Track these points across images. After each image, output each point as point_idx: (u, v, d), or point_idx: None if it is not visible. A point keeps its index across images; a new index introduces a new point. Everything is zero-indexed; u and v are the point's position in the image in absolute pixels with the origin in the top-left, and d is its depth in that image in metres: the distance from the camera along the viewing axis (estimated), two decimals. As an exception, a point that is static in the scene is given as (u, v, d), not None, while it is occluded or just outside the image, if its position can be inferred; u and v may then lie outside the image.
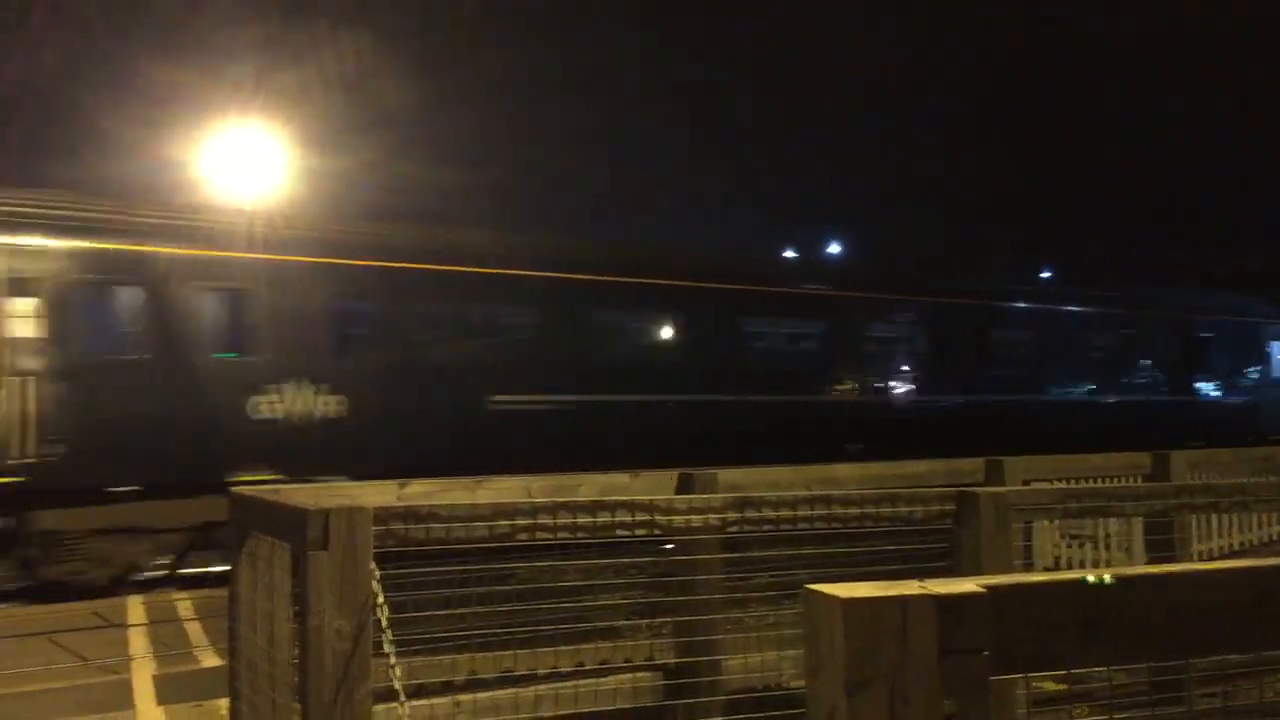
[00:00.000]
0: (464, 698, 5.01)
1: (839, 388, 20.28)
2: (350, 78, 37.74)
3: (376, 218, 19.46)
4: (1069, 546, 10.55)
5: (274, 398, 14.40)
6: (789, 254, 37.88)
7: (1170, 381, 25.59)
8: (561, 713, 5.03)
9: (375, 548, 3.91)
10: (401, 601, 4.32)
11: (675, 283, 18.46)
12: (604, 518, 4.36)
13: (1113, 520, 8.80)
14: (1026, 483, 7.01)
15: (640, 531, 4.50)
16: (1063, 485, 7.09)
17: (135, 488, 13.42)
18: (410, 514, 4.07)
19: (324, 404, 14.69)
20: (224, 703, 6.92)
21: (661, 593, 5.87)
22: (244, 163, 23.86)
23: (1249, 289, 33.52)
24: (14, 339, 12.81)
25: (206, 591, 13.14)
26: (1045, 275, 38.13)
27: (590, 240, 28.12)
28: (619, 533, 4.44)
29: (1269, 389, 27.29)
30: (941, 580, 1.70)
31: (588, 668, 5.66)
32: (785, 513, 4.63)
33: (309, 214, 19.06)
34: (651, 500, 4.57)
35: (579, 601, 6.08)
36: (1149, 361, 25.43)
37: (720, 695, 5.05)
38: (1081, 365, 24.27)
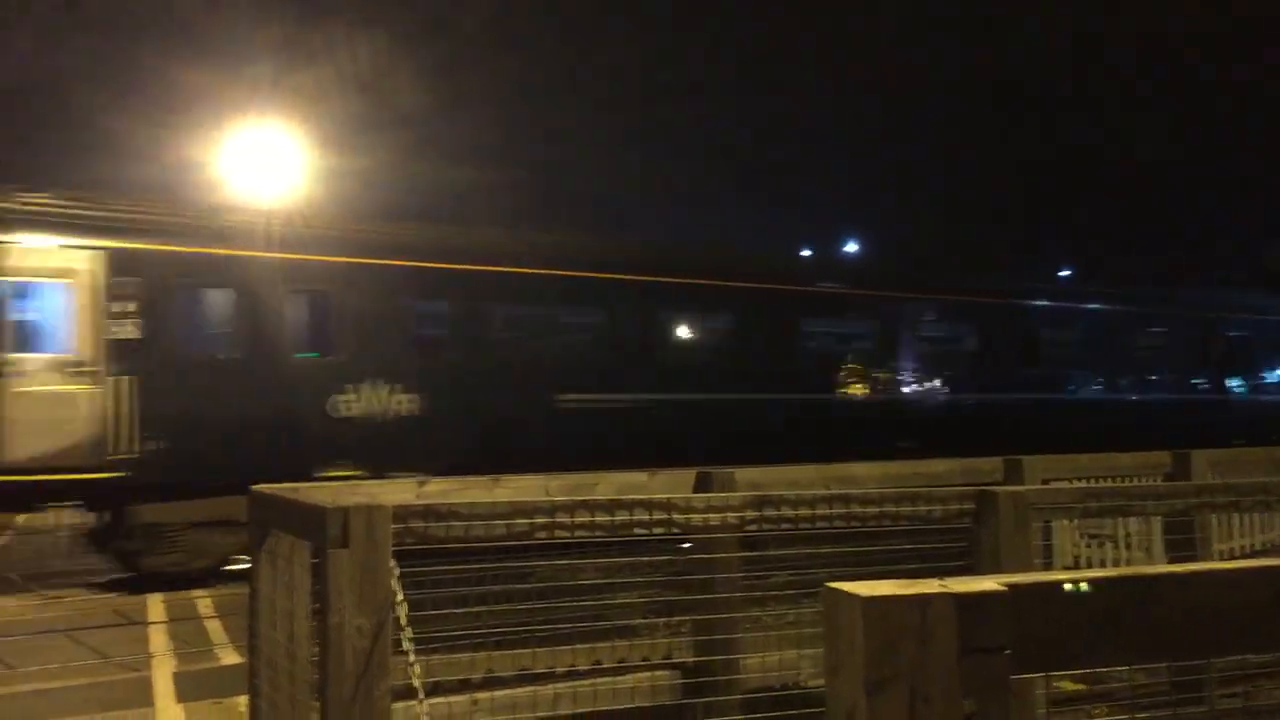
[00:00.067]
0: (482, 695, 5.02)
1: (891, 386, 20.79)
2: (367, 78, 37.88)
3: (399, 218, 19.98)
4: (1088, 546, 10.49)
5: (353, 396, 14.99)
6: (805, 253, 37.80)
7: (1208, 380, 25.90)
8: (580, 711, 5.04)
9: (394, 546, 3.92)
10: (420, 599, 4.34)
11: (734, 284, 19.06)
12: (622, 516, 4.37)
13: (1133, 519, 8.75)
14: (1045, 482, 6.98)
15: (658, 530, 4.50)
16: (1082, 484, 7.06)
17: (228, 482, 13.63)
18: (429, 512, 4.08)
19: (399, 402, 15.26)
20: (243, 700, 6.95)
21: (679, 591, 5.87)
22: (262, 163, 23.93)
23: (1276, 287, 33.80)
24: (115, 340, 13.38)
25: (226, 589, 13.23)
26: (1064, 274, 37.94)
27: (651, 242, 28.76)
28: (637, 531, 4.45)
29: None
30: (962, 579, 1.70)
31: (605, 666, 5.66)
32: (804, 512, 4.63)
33: (385, 218, 19.71)
34: (670, 499, 4.57)
35: (597, 600, 6.08)
36: (1188, 360, 25.71)
37: (738, 694, 5.05)
38: (1125, 364, 24.67)
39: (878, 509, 4.76)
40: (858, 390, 20.34)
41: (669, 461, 7.39)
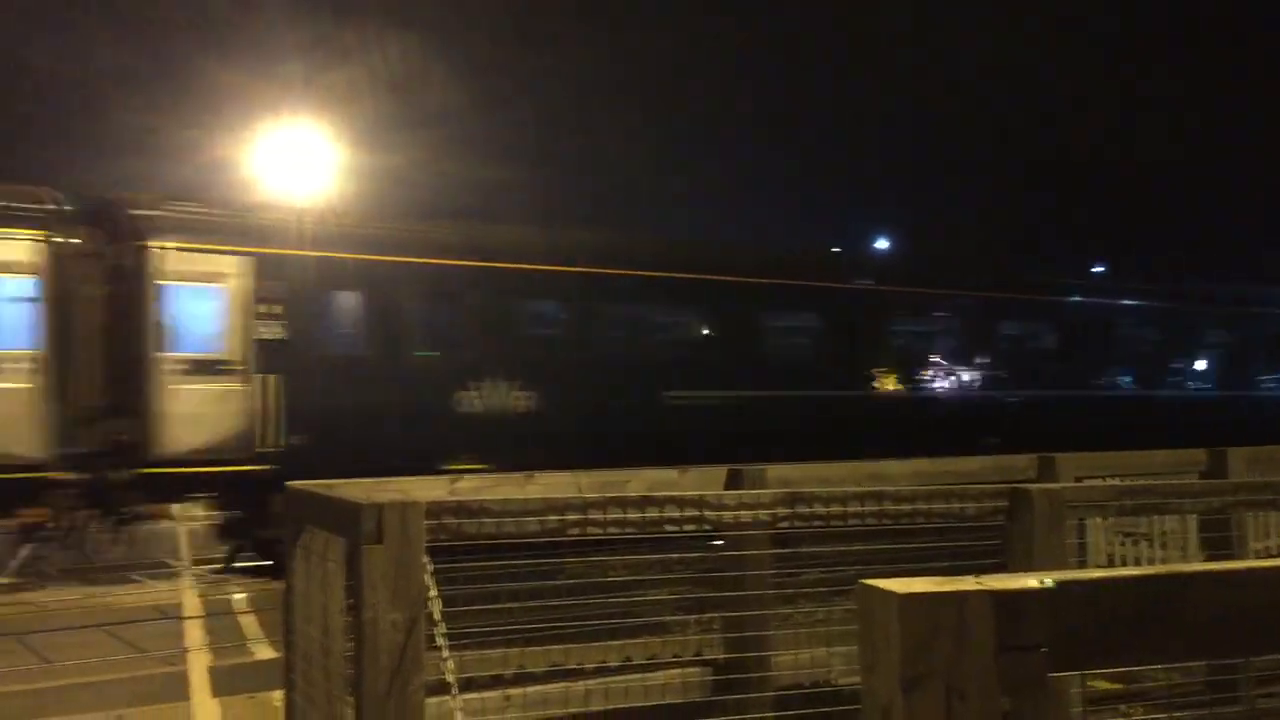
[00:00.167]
0: (514, 691, 5.04)
1: (976, 383, 21.49)
2: (397, 76, 38.06)
3: (432, 217, 20.62)
4: (1122, 544, 10.38)
5: (475, 393, 15.81)
6: (836, 249, 37.61)
7: (1269, 377, 26.37)
8: (611, 707, 5.05)
9: (427, 542, 3.95)
10: (452, 595, 4.36)
11: (831, 285, 19.95)
12: (653, 513, 4.38)
13: (1168, 517, 8.66)
14: (1079, 480, 6.93)
15: (689, 527, 4.50)
16: (1116, 482, 6.99)
17: (361, 474, 13.98)
18: (462, 509, 4.10)
19: (517, 399, 16.10)
20: (278, 694, 7.01)
21: (710, 588, 5.87)
22: (295, 161, 24.11)
23: None
24: (261, 340, 14.28)
25: (260, 584, 13.37)
26: (1098, 270, 37.61)
27: (752, 245, 31.49)
28: (668, 528, 4.45)
29: None
30: (999, 576, 1.69)
31: (636, 663, 5.67)
32: (835, 509, 4.62)
33: (506, 221, 21.18)
34: (701, 496, 4.57)
35: (628, 597, 6.09)
36: (1247, 357, 26.11)
37: (769, 691, 5.04)
38: (1189, 361, 25.25)
39: (910, 506, 4.74)
40: (943, 387, 21.12)
41: (767, 455, 7.72)
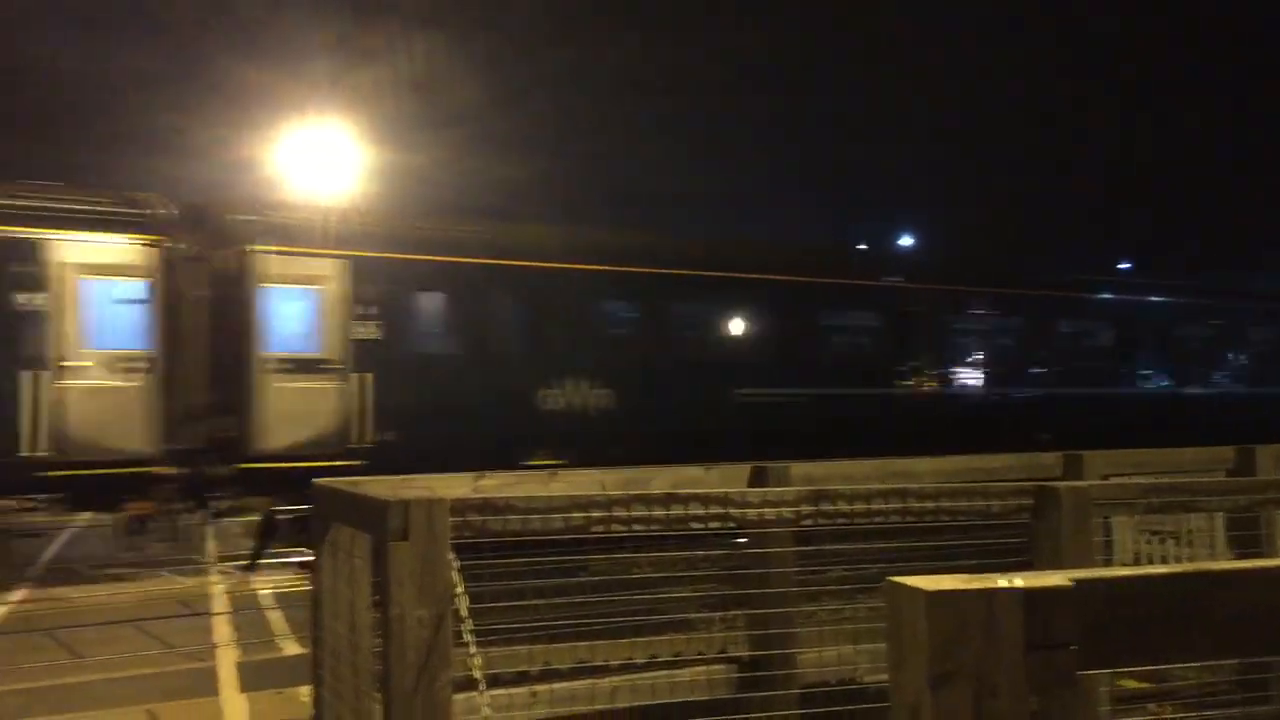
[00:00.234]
0: (540, 688, 5.06)
1: (1035, 380, 22.05)
2: (420, 75, 38.18)
3: (462, 215, 21.13)
4: (1148, 543, 10.30)
5: (556, 391, 16.42)
6: (861, 246, 37.57)
7: None
8: (638, 704, 5.06)
9: (453, 538, 3.97)
10: (477, 593, 4.38)
11: (899, 284, 20.43)
12: (678, 510, 4.38)
13: (1195, 515, 8.59)
14: (1105, 477, 6.88)
15: (714, 524, 4.50)
16: (1142, 480, 6.94)
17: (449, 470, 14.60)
18: (487, 505, 4.12)
19: (595, 397, 16.66)
20: (305, 690, 7.07)
21: (734, 585, 5.87)
22: (320, 161, 24.23)
23: None
24: (357, 340, 14.94)
25: (287, 579, 13.47)
26: (1124, 267, 37.38)
27: (819, 245, 32.75)
28: (693, 525, 4.46)
29: None
30: (1027, 573, 1.69)
31: (661, 660, 5.67)
32: (860, 506, 4.61)
33: (585, 224, 21.85)
34: (726, 493, 4.57)
35: (653, 594, 6.10)
36: None
37: (795, 689, 5.04)
38: (1245, 358, 25.82)
39: (934, 504, 4.72)
40: (1004, 385, 21.65)
41: (831, 450, 7.87)
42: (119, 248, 13.95)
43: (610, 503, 4.32)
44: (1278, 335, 26.33)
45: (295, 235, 14.95)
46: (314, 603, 5.08)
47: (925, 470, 6.60)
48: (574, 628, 5.49)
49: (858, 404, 19.13)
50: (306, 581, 6.95)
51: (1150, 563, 9.90)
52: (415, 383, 15.21)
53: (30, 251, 13.45)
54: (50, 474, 13.30)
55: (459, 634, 3.98)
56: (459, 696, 4.00)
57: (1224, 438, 9.78)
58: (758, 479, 5.99)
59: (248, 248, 14.57)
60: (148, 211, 14.42)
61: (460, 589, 4.01)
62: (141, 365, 13.86)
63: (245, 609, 11.95)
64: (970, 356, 21.33)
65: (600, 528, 4.28)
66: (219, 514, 15.05)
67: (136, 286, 14.03)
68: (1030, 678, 1.64)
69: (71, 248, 13.67)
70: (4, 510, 13.52)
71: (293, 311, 14.84)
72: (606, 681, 5.12)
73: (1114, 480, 6.68)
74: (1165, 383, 24.02)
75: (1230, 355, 25.57)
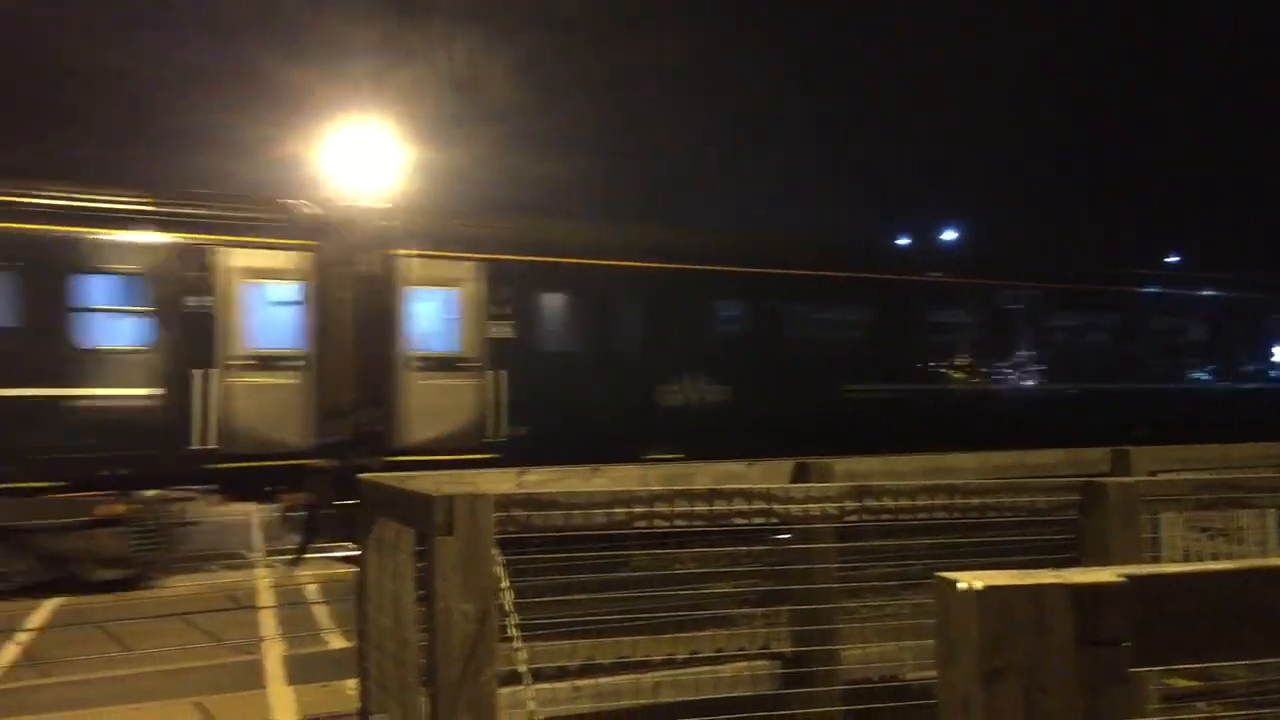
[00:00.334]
0: (584, 683, 5.08)
1: (1129, 375, 22.18)
2: (462, 73, 38.34)
3: (501, 211, 21.47)
4: (1197, 540, 10.15)
5: (674, 388, 17.04)
6: (903, 241, 37.37)
7: None
8: (681, 699, 5.06)
9: (497, 534, 3.99)
10: (520, 587, 4.40)
11: (1000, 283, 20.82)
12: (720, 506, 4.38)
13: (1244, 512, 8.46)
14: (1153, 473, 6.79)
15: (757, 520, 4.49)
16: (1192, 476, 6.84)
17: (574, 463, 15.10)
18: (531, 501, 4.14)
19: (711, 393, 17.24)
20: (351, 683, 7.13)
21: (776, 581, 5.85)
22: (363, 160, 24.39)
23: None
24: (492, 339, 15.69)
25: (331, 573, 13.62)
26: (1172, 260, 36.84)
27: (922, 245, 33.37)
28: (735, 521, 4.45)
29: None
30: (1078, 569, 1.67)
31: (702, 655, 5.67)
32: (904, 502, 4.58)
33: (700, 226, 22.70)
34: (769, 489, 4.56)
35: (695, 590, 6.10)
36: None
37: (838, 685, 5.02)
38: None
39: (979, 500, 4.68)
40: (1095, 380, 21.78)
41: (931, 445, 8.31)
42: (276, 253, 14.81)
43: (653, 498, 4.32)
44: None
45: (434, 239, 15.73)
46: (360, 597, 5.14)
47: (970, 466, 6.54)
48: (616, 623, 5.50)
49: (959, 400, 19.79)
50: (351, 575, 7.02)
51: (1200, 560, 9.77)
52: (544, 380, 15.94)
53: (200, 257, 14.34)
54: (216, 466, 14.08)
55: (503, 628, 4.00)
56: (504, 690, 4.02)
57: None
58: (800, 475, 5.97)
59: (392, 251, 15.35)
60: (300, 218, 15.33)
61: (505, 584, 4.03)
62: (297, 364, 14.71)
63: (291, 603, 12.07)
64: (1069, 352, 21.67)
65: (643, 523, 4.29)
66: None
67: (292, 289, 14.87)
68: (1081, 674, 1.63)
69: (235, 253, 14.51)
70: (165, 500, 14.03)
71: (433, 312, 15.60)
72: (649, 676, 5.13)
73: (1163, 476, 6.60)
74: (1259, 377, 24.23)
75: None
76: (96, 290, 13.97)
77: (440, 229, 16.15)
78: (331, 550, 14.84)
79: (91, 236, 13.77)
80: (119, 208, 14.08)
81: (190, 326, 14.13)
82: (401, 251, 15.33)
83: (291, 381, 14.60)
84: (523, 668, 3.99)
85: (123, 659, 9.68)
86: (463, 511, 3.91)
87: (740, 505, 4.41)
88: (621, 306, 17.24)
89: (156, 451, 13.70)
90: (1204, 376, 23.40)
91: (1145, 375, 22.30)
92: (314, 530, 14.82)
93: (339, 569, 13.80)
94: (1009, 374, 20.58)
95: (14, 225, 13.48)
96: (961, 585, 1.61)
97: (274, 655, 9.68)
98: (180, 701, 8.25)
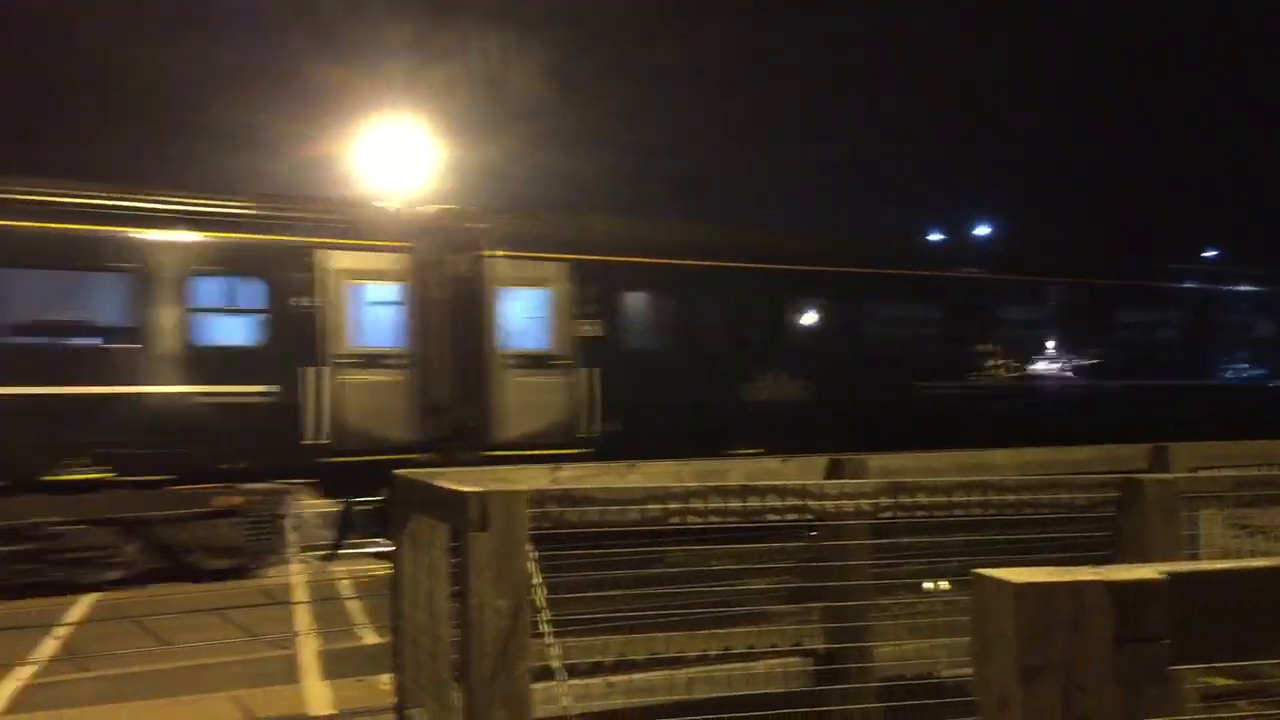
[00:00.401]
0: (616, 678, 5.08)
1: (1201, 370, 22.82)
2: (493, 71, 38.45)
3: (553, 209, 21.78)
4: (1236, 537, 10.02)
5: (757, 384, 17.53)
6: (936, 236, 37.14)
7: None
8: (714, 695, 5.05)
9: (531, 529, 4.00)
10: (553, 583, 4.41)
11: (1070, 280, 21.36)
12: (754, 502, 4.37)
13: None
14: (1193, 470, 6.70)
15: (790, 516, 4.48)
16: (1232, 473, 6.75)
17: (662, 457, 15.52)
18: (566, 497, 4.15)
19: (793, 390, 17.76)
20: (385, 678, 7.18)
21: (809, 578, 5.83)
22: (396, 158, 24.49)
23: None
24: (583, 338, 16.18)
25: (364, 569, 13.71)
26: (1209, 254, 36.36)
27: (994, 244, 34.38)
28: (769, 517, 4.44)
29: None
30: (1117, 567, 1.65)
31: (735, 651, 5.65)
32: (939, 499, 4.55)
33: (774, 227, 23.28)
34: (803, 485, 4.55)
35: (728, 586, 6.09)
36: None
37: (872, 682, 4.99)
38: None
39: (1015, 496, 4.64)
40: (1164, 375, 22.27)
41: (1002, 440, 8.47)
42: (377, 254, 15.25)
43: (687, 494, 4.32)
44: None
45: (524, 240, 16.16)
46: (394, 592, 5.16)
47: (1005, 462, 6.50)
48: (650, 619, 5.49)
49: (1030, 396, 20.29)
50: (386, 571, 7.05)
51: (1239, 557, 9.64)
52: (633, 376, 16.35)
53: (307, 259, 14.79)
54: (327, 460, 14.56)
55: (536, 624, 4.01)
56: (537, 686, 4.03)
57: None
58: (834, 471, 5.94)
59: (484, 253, 15.74)
60: (396, 220, 15.83)
61: (537, 580, 4.04)
62: (400, 361, 15.17)
63: (326, 598, 12.16)
64: (1140, 348, 22.13)
65: (677, 519, 4.29)
66: None
67: (391, 289, 15.32)
68: (1119, 672, 1.61)
69: (338, 255, 14.96)
70: (277, 492, 14.40)
71: (524, 311, 16.03)
72: (683, 673, 5.13)
73: (1203, 473, 6.52)
74: None
75: None
76: (213, 291, 14.52)
77: (528, 230, 16.57)
78: (366, 546, 14.93)
79: (208, 240, 14.25)
80: (231, 212, 14.52)
81: (299, 326, 14.58)
82: (492, 253, 15.76)
83: (396, 379, 15.08)
84: (556, 663, 3.99)
85: (160, 653, 9.78)
86: (497, 508, 3.93)
87: (774, 501, 4.40)
88: (705, 305, 17.61)
89: (272, 446, 14.19)
90: (1261, 371, 23.75)
91: (1209, 371, 22.81)
92: (348, 526, 14.93)
93: (373, 565, 13.88)
94: (1083, 368, 21.15)
95: (134, 230, 13.91)
96: (999, 582, 1.60)
97: (309, 650, 9.75)
98: (216, 696, 8.33)
